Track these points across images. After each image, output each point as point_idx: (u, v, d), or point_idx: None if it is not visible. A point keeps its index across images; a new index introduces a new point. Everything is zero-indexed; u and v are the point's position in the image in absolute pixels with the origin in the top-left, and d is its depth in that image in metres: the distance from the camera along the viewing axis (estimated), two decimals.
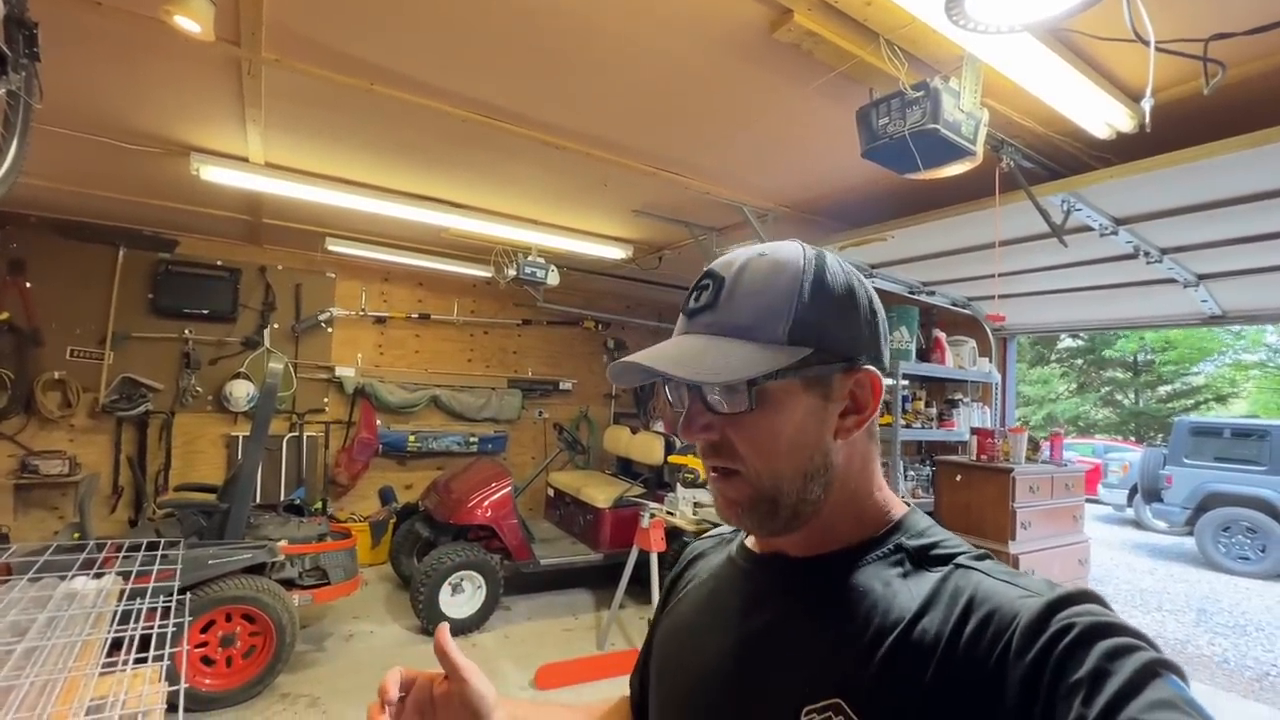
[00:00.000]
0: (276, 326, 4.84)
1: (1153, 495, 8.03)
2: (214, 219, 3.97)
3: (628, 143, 2.57)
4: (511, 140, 2.53)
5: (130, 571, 1.85)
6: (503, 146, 2.62)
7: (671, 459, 4.51)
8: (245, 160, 2.88)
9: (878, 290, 3.37)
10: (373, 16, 1.79)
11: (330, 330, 5.09)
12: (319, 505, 4.82)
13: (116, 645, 1.46)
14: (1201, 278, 3.07)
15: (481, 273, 4.77)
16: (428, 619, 3.74)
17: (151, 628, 1.51)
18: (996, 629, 0.44)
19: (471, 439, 5.50)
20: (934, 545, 0.54)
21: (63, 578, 1.75)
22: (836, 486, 0.55)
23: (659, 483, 4.77)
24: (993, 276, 3.35)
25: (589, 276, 5.08)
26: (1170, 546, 8.15)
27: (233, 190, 3.16)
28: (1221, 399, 14.62)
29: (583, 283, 5.37)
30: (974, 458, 3.45)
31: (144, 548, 2.06)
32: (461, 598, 3.87)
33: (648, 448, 4.97)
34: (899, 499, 0.60)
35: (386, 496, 5.08)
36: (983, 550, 0.54)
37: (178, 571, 1.87)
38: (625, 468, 5.49)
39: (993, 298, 3.90)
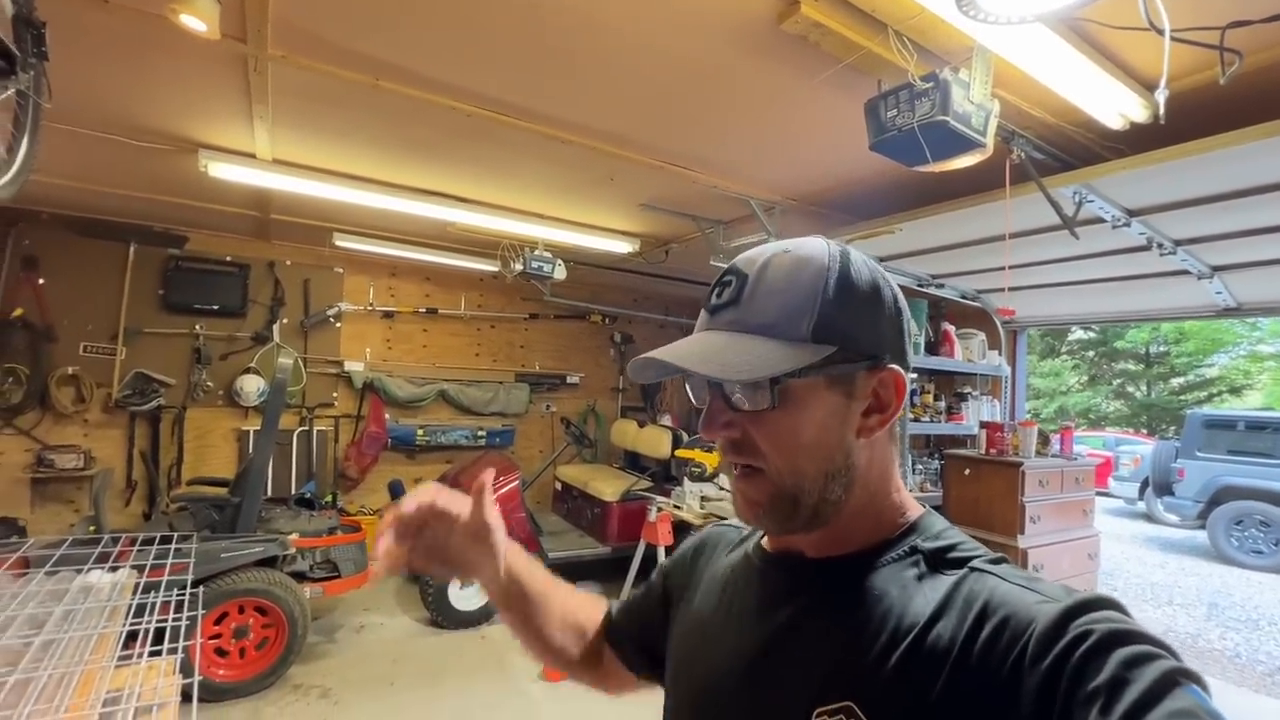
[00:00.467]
0: (286, 322, 4.87)
1: (1164, 488, 7.97)
2: (223, 215, 3.99)
3: (634, 136, 2.56)
4: (517, 135, 2.53)
5: (144, 565, 1.88)
6: (508, 141, 2.61)
7: (678, 453, 4.52)
8: (253, 156, 2.89)
9: None
10: (377, 12, 1.78)
11: (339, 325, 5.11)
12: (329, 499, 4.86)
13: (131, 638, 1.48)
14: (1216, 269, 3.03)
15: (489, 267, 4.77)
16: (437, 611, 3.78)
17: (165, 621, 1.53)
18: (1012, 635, 0.44)
19: (479, 432, 5.53)
20: (950, 548, 0.54)
21: (78, 571, 1.78)
22: (857, 487, 0.55)
23: (666, 476, 4.78)
24: (1003, 269, 3.31)
25: (596, 270, 5.07)
26: (1182, 540, 8.09)
27: (241, 186, 3.17)
28: (1236, 391, 14.44)
29: (590, 277, 5.37)
30: (983, 451, 3.43)
31: (158, 541, 2.09)
32: (470, 591, 3.90)
33: (655, 441, 4.97)
34: (915, 501, 0.59)
35: (396, 490, 5.10)
36: (999, 554, 0.53)
37: (191, 565, 1.90)
38: (633, 461, 5.50)
39: (1003, 290, 3.86)
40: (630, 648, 0.79)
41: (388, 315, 5.31)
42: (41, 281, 4.07)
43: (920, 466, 3.83)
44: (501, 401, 5.65)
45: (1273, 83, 1.80)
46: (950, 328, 4.04)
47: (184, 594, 1.67)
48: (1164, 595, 5.76)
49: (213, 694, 2.86)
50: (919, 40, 1.70)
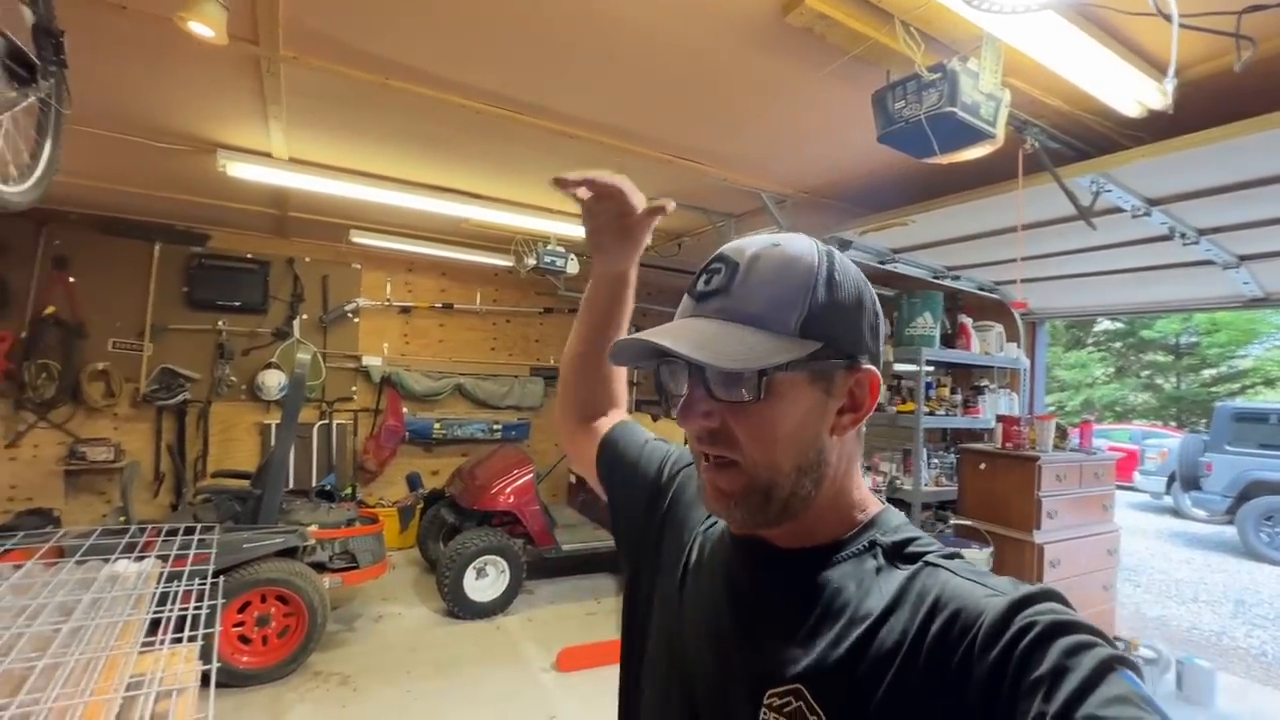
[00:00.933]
0: (305, 317, 4.97)
1: (1191, 483, 7.78)
2: (243, 213, 4.08)
3: (642, 131, 2.56)
4: (526, 131, 2.54)
5: (169, 555, 1.94)
6: (518, 137, 2.63)
7: None
8: (269, 156, 2.95)
9: (900, 275, 3.26)
10: (385, 11, 1.80)
11: (357, 320, 5.20)
12: (348, 491, 4.96)
13: (155, 625, 1.54)
14: (1242, 259, 2.94)
15: (503, 262, 4.80)
16: (453, 602, 3.84)
17: (188, 609, 1.59)
18: (962, 626, 0.46)
19: (495, 426, 5.59)
20: (906, 543, 0.55)
21: (106, 560, 1.85)
22: (826, 482, 0.56)
23: None
24: (1020, 261, 3.25)
25: None
26: (1209, 535, 7.90)
27: (259, 185, 3.24)
28: (1270, 383, 14.00)
29: None
30: (999, 445, 3.39)
31: (181, 532, 2.16)
32: (485, 581, 3.96)
33: (667, 434, 4.96)
34: (874, 497, 0.61)
35: (413, 482, 5.21)
36: (952, 549, 0.55)
37: (213, 555, 1.96)
38: None
39: (1018, 283, 3.78)
40: (604, 465, 0.89)
41: (405, 310, 5.38)
42: (72, 280, 4.20)
43: (935, 461, 3.79)
44: (517, 395, 5.71)
45: None
46: (967, 320, 3.97)
47: (205, 583, 1.73)
48: (1189, 592, 5.64)
49: (237, 680, 2.95)
50: (926, 30, 1.67)
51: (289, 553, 3.19)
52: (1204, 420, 12.81)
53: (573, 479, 5.47)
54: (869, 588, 0.52)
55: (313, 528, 3.35)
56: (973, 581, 0.49)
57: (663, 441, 0.89)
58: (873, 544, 0.56)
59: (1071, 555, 3.14)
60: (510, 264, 4.61)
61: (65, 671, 1.22)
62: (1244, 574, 6.28)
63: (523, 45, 1.95)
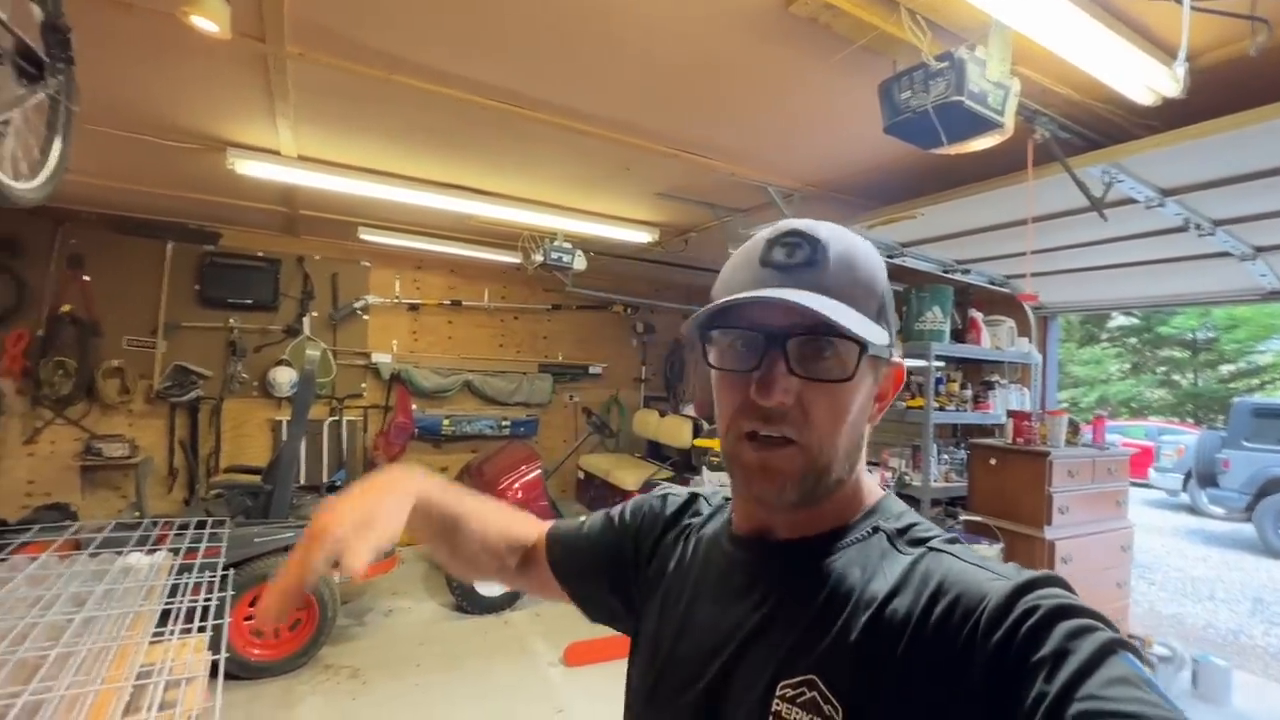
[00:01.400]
0: (315, 315, 5.00)
1: (1208, 480, 7.67)
2: (253, 212, 4.11)
3: (648, 125, 2.55)
4: (532, 126, 2.54)
5: (180, 548, 1.97)
6: (524, 133, 2.63)
7: (697, 442, 4.52)
8: (277, 153, 2.96)
9: (909, 269, 3.24)
10: (391, 6, 1.81)
11: (366, 318, 5.23)
12: None
13: (166, 616, 1.56)
14: (1259, 250, 2.88)
15: (511, 259, 4.81)
16: (461, 597, 3.87)
17: (197, 601, 1.61)
18: (965, 610, 0.46)
19: (504, 422, 5.61)
20: (909, 528, 0.56)
21: (119, 553, 1.88)
22: (856, 469, 0.58)
23: (687, 465, 4.79)
24: (1029, 254, 3.21)
25: (617, 261, 5.07)
26: (1226, 533, 7.78)
27: (268, 183, 3.26)
28: None
29: (611, 267, 5.37)
30: (1010, 441, 3.35)
31: (193, 526, 2.19)
32: None
33: (676, 431, 4.98)
34: (876, 484, 0.62)
35: None
36: (952, 534, 0.55)
37: (223, 549, 1.98)
38: (654, 450, 5.52)
39: (1028, 275, 3.74)
40: (561, 553, 0.83)
41: (414, 307, 5.41)
42: (87, 278, 4.26)
43: (945, 456, 3.76)
44: (525, 392, 5.73)
45: None
46: (978, 314, 3.93)
47: (215, 576, 1.75)
48: (1205, 590, 5.56)
49: (249, 671, 2.99)
50: (933, 18, 1.65)
51: None
52: (1221, 416, 12.60)
53: (581, 475, 5.48)
54: (873, 574, 0.53)
55: None
56: (976, 566, 0.50)
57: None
58: (876, 529, 0.56)
59: (1084, 551, 3.11)
60: (518, 260, 4.62)
61: (77, 660, 1.24)
62: (1262, 572, 6.18)
63: (527, 39, 1.95)
